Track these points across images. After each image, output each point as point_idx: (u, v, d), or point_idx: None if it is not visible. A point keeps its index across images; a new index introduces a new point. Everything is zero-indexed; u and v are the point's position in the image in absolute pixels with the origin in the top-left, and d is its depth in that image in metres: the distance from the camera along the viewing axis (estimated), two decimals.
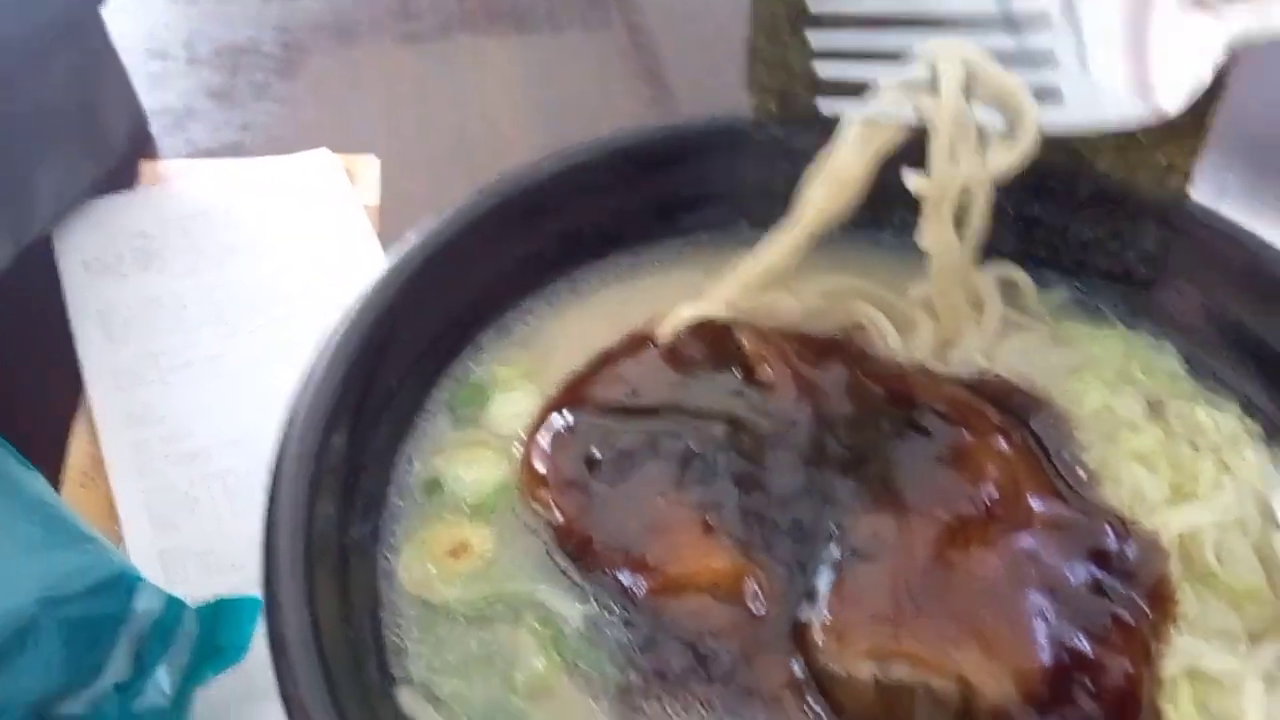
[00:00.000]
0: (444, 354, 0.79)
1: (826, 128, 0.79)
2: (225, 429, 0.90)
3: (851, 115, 0.79)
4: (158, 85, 1.20)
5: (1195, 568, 0.72)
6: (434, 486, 0.74)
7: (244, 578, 0.65)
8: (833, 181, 0.79)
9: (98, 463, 0.89)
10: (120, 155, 1.10)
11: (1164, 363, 0.84)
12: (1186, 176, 0.82)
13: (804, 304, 0.84)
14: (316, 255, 1.03)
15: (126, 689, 0.69)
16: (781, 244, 0.81)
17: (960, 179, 0.78)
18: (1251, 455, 0.78)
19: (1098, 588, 0.71)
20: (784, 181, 0.83)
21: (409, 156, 1.11)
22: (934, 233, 0.80)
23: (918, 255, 0.81)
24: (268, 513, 0.62)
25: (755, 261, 0.82)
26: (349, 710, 0.57)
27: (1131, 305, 0.87)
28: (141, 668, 0.69)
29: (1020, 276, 0.87)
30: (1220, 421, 0.80)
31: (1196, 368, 0.84)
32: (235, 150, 1.15)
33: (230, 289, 1.00)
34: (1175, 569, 0.72)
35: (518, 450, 0.76)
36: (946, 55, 0.78)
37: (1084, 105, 0.79)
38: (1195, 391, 0.83)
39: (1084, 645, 0.67)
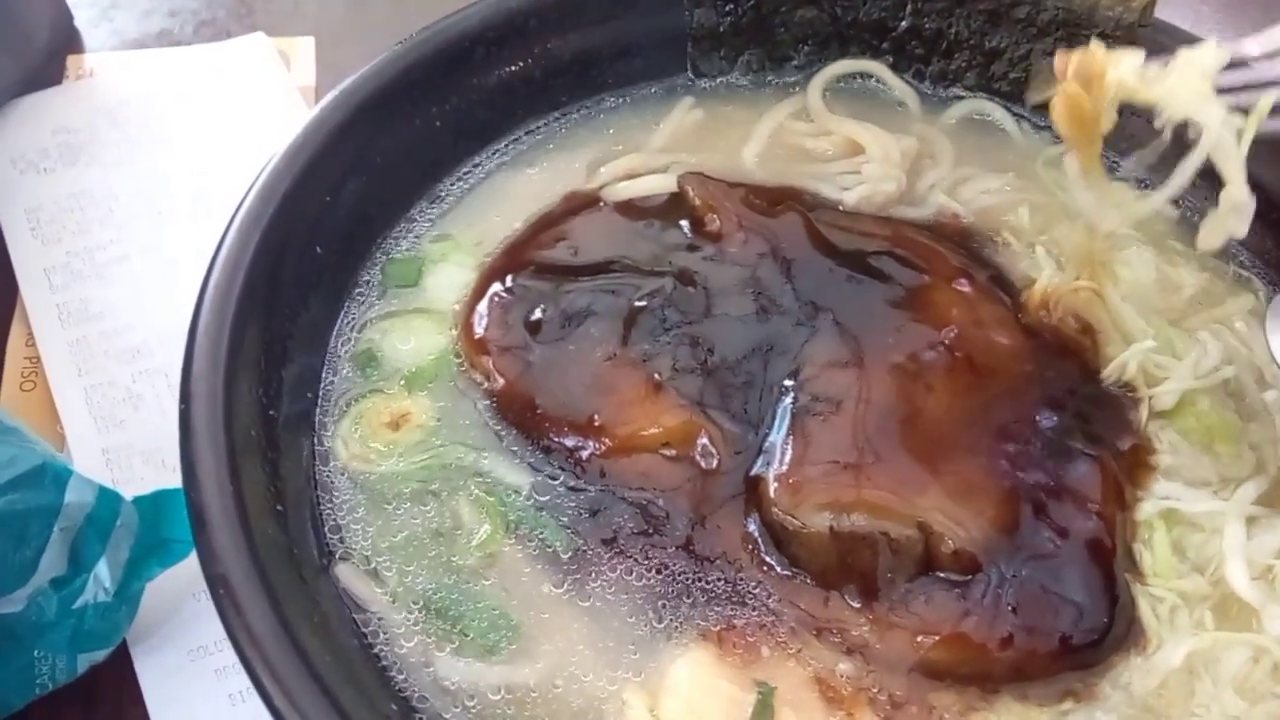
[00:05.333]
0: (375, 226, 0.74)
1: None
2: (165, 322, 0.86)
3: None
4: None
5: (1169, 412, 0.69)
6: (369, 359, 0.70)
7: None
8: None
9: (37, 364, 0.85)
10: (44, 52, 1.05)
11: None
12: None
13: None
14: (251, 141, 0.98)
15: (65, 585, 0.67)
16: None
17: None
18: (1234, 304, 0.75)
19: (1067, 432, 0.68)
20: (728, 25, 0.78)
21: (344, 30, 1.05)
22: None
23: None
24: (182, 388, 0.59)
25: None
26: (278, 585, 0.55)
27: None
28: (80, 563, 0.67)
29: (988, 107, 0.83)
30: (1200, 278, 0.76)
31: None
32: (164, 39, 1.09)
33: (163, 179, 0.95)
34: (1145, 414, 0.69)
35: (456, 318, 0.72)
36: None
37: None
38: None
39: (1053, 488, 0.65)
